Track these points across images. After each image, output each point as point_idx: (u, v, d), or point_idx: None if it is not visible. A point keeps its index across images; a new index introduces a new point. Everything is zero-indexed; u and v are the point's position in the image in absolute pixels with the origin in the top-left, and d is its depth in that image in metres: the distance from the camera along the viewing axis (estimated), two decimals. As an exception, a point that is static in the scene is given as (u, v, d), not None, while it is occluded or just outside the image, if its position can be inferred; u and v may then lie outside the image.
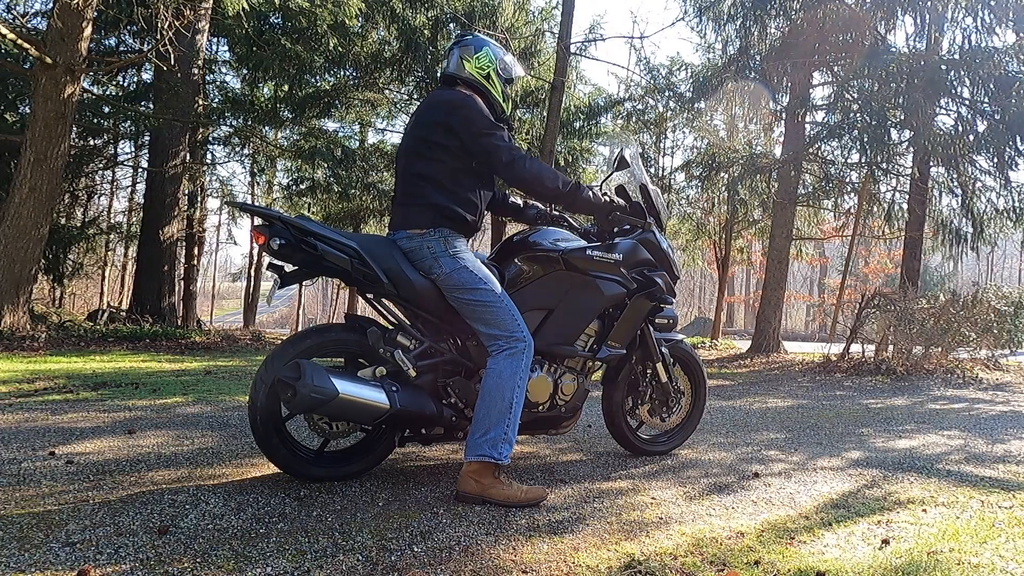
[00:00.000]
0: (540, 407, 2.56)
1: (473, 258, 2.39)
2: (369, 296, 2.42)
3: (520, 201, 2.94)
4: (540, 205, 2.95)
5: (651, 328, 2.91)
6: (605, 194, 2.63)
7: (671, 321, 3.02)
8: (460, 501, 2.21)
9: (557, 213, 2.93)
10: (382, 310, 2.45)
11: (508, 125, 2.53)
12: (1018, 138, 7.84)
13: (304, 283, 2.51)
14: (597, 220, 2.69)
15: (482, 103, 2.40)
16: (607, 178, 2.79)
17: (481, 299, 2.30)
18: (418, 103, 2.65)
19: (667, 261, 2.87)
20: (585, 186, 2.51)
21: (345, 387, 2.17)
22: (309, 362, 2.21)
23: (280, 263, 2.27)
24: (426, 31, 12.49)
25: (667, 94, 13.31)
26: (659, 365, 2.95)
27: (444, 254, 2.33)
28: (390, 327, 2.43)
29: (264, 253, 2.25)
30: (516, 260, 2.61)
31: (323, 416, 2.32)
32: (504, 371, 2.26)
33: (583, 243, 2.68)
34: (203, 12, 11.39)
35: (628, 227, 2.83)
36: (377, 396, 2.23)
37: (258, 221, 2.25)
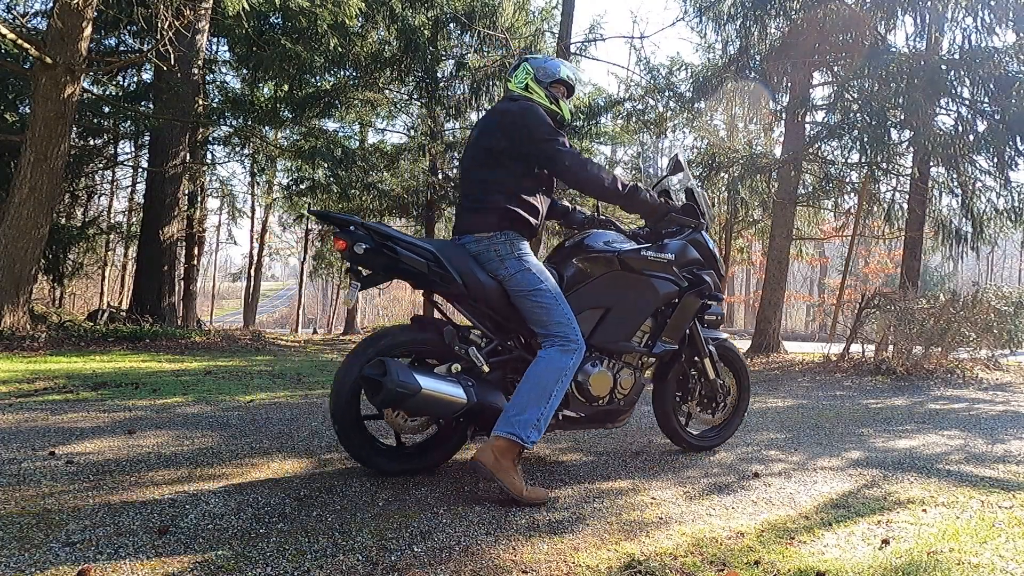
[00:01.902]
0: (600, 401, 2.69)
1: (536, 261, 2.53)
2: (433, 297, 2.56)
3: (569, 205, 3.07)
4: (586, 210, 3.13)
5: (698, 325, 3.04)
6: (660, 196, 2.78)
7: (719, 318, 3.16)
8: (472, 469, 2.29)
9: (603, 217, 3.06)
10: (462, 312, 2.57)
11: (566, 127, 2.70)
12: (1018, 138, 7.84)
13: (380, 286, 2.68)
14: (650, 221, 2.79)
15: (543, 111, 2.54)
16: (661, 180, 2.96)
17: (541, 301, 2.44)
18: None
19: (714, 260, 3.01)
20: (642, 188, 2.65)
21: (427, 383, 2.28)
22: (394, 360, 2.31)
23: (358, 268, 2.38)
24: (426, 31, 12.48)
25: (667, 94, 13.29)
26: (707, 361, 3.08)
27: (510, 256, 2.47)
28: (461, 327, 2.55)
29: (344, 259, 2.40)
30: (574, 261, 2.72)
31: (403, 411, 2.42)
32: (553, 362, 2.37)
33: (634, 244, 2.81)
34: (203, 12, 11.40)
35: (675, 228, 2.97)
36: (455, 391, 2.34)
37: (339, 227, 2.36)
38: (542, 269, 2.51)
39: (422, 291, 2.61)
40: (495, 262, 2.47)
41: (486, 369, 2.44)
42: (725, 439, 3.24)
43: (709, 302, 3.00)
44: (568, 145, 2.50)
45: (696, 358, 3.09)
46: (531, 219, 2.53)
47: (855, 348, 8.42)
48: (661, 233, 2.94)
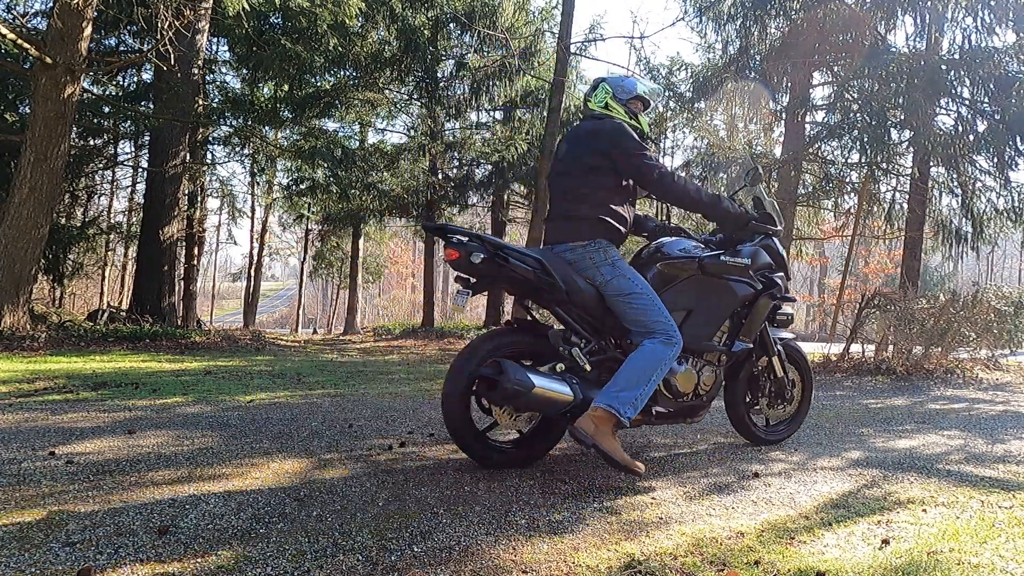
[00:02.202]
0: (686, 397, 2.85)
1: (628, 266, 2.71)
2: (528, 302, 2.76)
3: (641, 213, 3.23)
4: (655, 219, 3.31)
5: (767, 325, 3.20)
6: (741, 204, 2.97)
7: (789, 318, 3.34)
8: (571, 435, 2.47)
9: (673, 225, 3.26)
10: (563, 316, 2.71)
11: (647, 139, 2.88)
12: (1018, 138, 7.84)
13: (483, 292, 2.85)
14: (731, 228, 2.99)
15: (629, 128, 2.72)
16: (739, 189, 3.20)
17: (639, 303, 2.62)
18: (569, 130, 3.10)
19: (783, 264, 3.18)
20: (725, 197, 2.85)
21: (539, 381, 2.46)
22: (509, 360, 2.49)
23: (468, 276, 2.58)
24: (426, 31, 12.49)
25: (667, 94, 13.31)
26: (775, 360, 3.26)
27: (604, 263, 2.65)
28: (563, 329, 2.72)
29: (455, 268, 2.59)
30: (657, 267, 2.90)
31: (514, 407, 2.58)
32: (656, 351, 2.56)
33: (707, 250, 2.99)
34: (203, 12, 11.39)
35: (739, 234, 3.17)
36: (563, 389, 2.54)
37: (455, 239, 2.55)
38: (635, 273, 2.68)
39: (519, 297, 2.82)
40: (591, 269, 2.66)
41: (588, 368, 2.62)
42: (792, 433, 3.42)
43: (780, 303, 3.19)
44: (655, 158, 2.69)
45: (765, 356, 3.26)
46: (620, 228, 2.72)
47: (855, 348, 8.42)
48: (733, 239, 3.09)
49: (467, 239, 2.53)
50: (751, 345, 3.08)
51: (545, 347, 2.67)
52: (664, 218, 3.51)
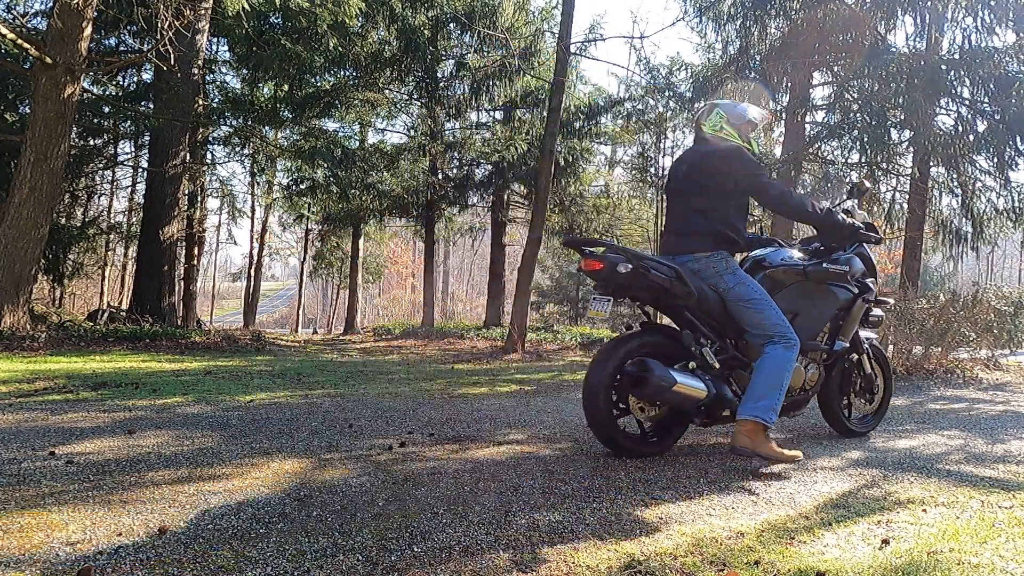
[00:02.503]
0: (794, 392, 3.12)
1: (746, 274, 2.98)
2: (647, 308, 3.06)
3: None
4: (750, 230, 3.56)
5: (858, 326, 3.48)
6: (848, 216, 3.26)
7: (880, 319, 3.62)
8: (734, 454, 2.78)
9: (767, 236, 3.50)
10: (692, 320, 2.96)
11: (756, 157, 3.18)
12: (1018, 138, 7.84)
13: (619, 300, 3.27)
14: (837, 238, 3.26)
15: (746, 150, 3.01)
16: (841, 201, 3.45)
17: (759, 308, 2.89)
18: (683, 153, 3.36)
19: (875, 270, 3.47)
20: (835, 210, 3.16)
21: (680, 378, 2.73)
22: (653, 360, 2.73)
23: (610, 285, 2.85)
24: (426, 31, 12.48)
25: (667, 94, 13.31)
26: (864, 358, 3.58)
27: (727, 271, 2.92)
28: (692, 331, 2.96)
29: (598, 278, 2.88)
30: (765, 274, 3.14)
31: (658, 402, 2.84)
32: (781, 357, 2.83)
33: (805, 258, 3.27)
34: (203, 12, 11.40)
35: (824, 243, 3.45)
36: (699, 385, 2.79)
37: (597, 251, 2.85)
38: (753, 281, 2.96)
39: (644, 304, 3.06)
40: (715, 277, 2.92)
41: (716, 366, 2.89)
42: (876, 425, 3.73)
43: (871, 306, 3.47)
44: (772, 178, 2.99)
45: (856, 354, 3.55)
46: (738, 240, 3.01)
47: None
48: (829, 247, 3.36)
49: (610, 251, 2.82)
50: (847, 345, 3.38)
51: (673, 348, 2.92)
52: (759, 230, 3.79)
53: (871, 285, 3.38)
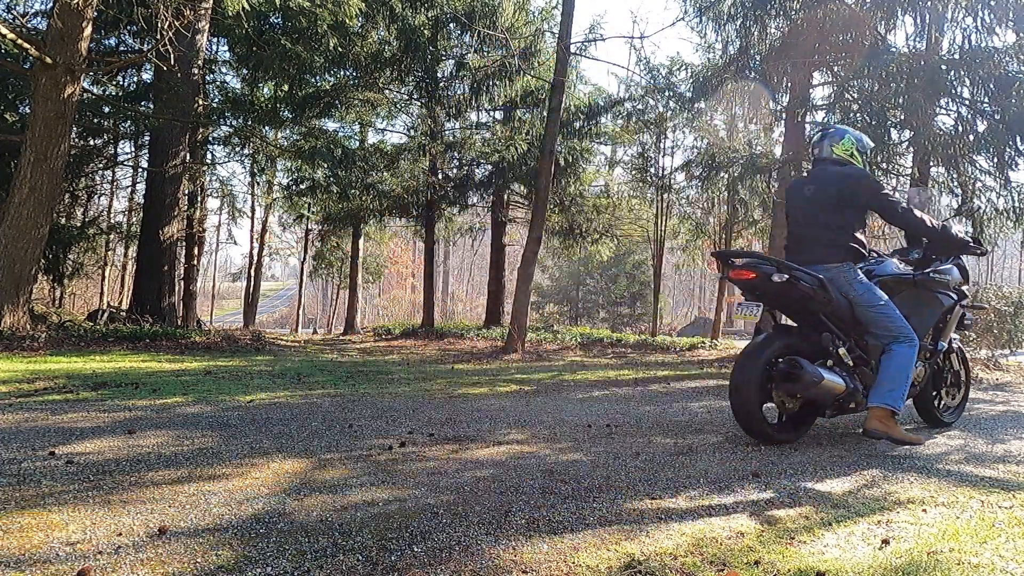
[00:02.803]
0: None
1: (870, 282, 3.35)
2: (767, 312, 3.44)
3: None
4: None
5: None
6: (964, 232, 3.63)
7: (971, 322, 3.97)
8: (867, 436, 3.22)
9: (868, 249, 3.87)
10: (827, 324, 3.31)
11: None
12: (1018, 138, 7.82)
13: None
14: (950, 250, 3.66)
15: (869, 172, 3.45)
16: (948, 219, 3.85)
17: (884, 312, 3.29)
18: (808, 176, 3.76)
19: (968, 278, 3.87)
20: (949, 225, 3.56)
21: (825, 375, 3.13)
22: (803, 359, 3.11)
23: (759, 292, 3.26)
24: (426, 31, 12.48)
25: (667, 94, 13.28)
26: (954, 356, 4.02)
27: (855, 280, 3.31)
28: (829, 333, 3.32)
29: (749, 287, 3.27)
30: (876, 282, 3.44)
31: (807, 396, 3.22)
32: (906, 353, 3.25)
33: (913, 269, 3.68)
34: (203, 12, 11.39)
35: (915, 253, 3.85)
36: (839, 381, 3.20)
37: (749, 262, 3.27)
38: (877, 288, 3.34)
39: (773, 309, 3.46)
40: (845, 285, 3.30)
41: (850, 364, 3.29)
42: (958, 418, 4.09)
43: (966, 311, 3.86)
44: (897, 198, 3.45)
45: (947, 353, 3.96)
46: (863, 251, 3.41)
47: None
48: (930, 258, 3.73)
49: (760, 262, 3.25)
50: (947, 345, 3.80)
51: (808, 347, 3.27)
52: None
53: (966, 292, 3.80)
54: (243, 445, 2.96)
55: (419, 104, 15.02)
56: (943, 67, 8.03)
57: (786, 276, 3.11)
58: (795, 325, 3.46)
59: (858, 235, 3.39)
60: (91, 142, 13.77)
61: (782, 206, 10.46)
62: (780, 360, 3.20)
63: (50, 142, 8.15)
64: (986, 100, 8.24)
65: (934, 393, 3.94)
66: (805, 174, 4.11)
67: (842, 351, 3.27)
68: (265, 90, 13.65)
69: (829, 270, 3.29)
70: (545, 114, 11.16)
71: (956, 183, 9.44)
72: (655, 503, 2.29)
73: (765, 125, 13.35)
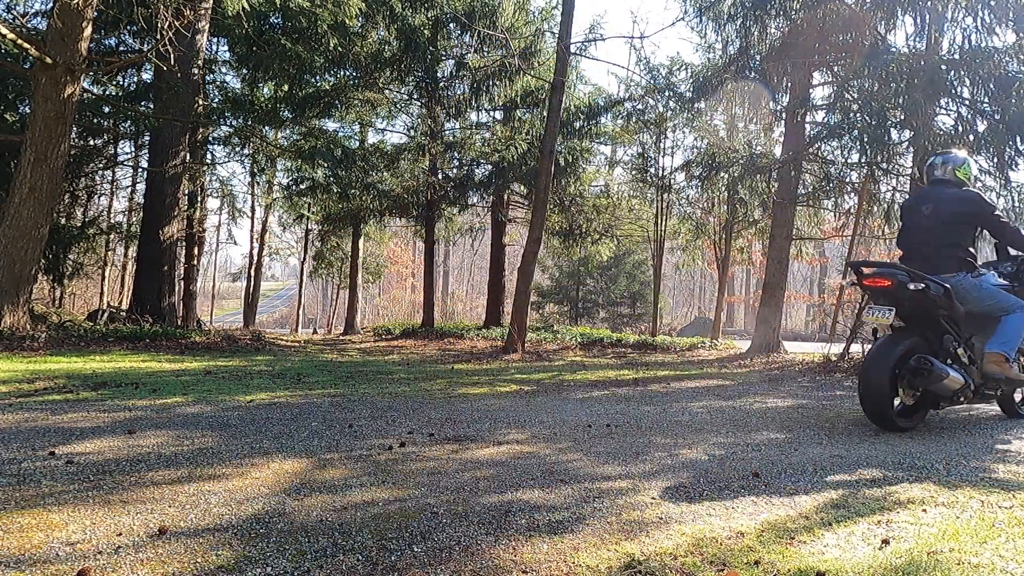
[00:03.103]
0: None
1: (978, 282, 3.81)
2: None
3: None
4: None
5: None
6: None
7: None
8: (986, 377, 3.75)
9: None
10: (947, 327, 3.76)
11: None
12: (1018, 138, 7.82)
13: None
14: None
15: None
16: None
17: (998, 298, 3.83)
18: (922, 193, 4.22)
19: None
20: None
21: (951, 371, 3.56)
22: (933, 358, 3.56)
23: (892, 298, 3.66)
24: (426, 31, 12.48)
25: (667, 94, 13.29)
26: None
27: (972, 287, 3.80)
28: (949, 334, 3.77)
29: (882, 293, 3.67)
30: None
31: (933, 390, 3.63)
32: (1020, 317, 3.77)
33: (1009, 281, 4.10)
34: (203, 12, 11.39)
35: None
36: (960, 377, 3.62)
37: (885, 270, 3.67)
38: (986, 285, 3.81)
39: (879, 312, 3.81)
40: (962, 293, 3.76)
41: (966, 361, 3.73)
42: None
43: None
44: (1007, 217, 4.02)
45: None
46: (974, 263, 3.88)
47: (855, 348, 8.41)
48: (1023, 270, 4.17)
49: (894, 270, 3.60)
50: None
51: (928, 346, 3.67)
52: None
53: None
54: (243, 445, 2.96)
55: (419, 104, 15.03)
56: (943, 67, 8.03)
57: (922, 285, 3.49)
58: (908, 328, 3.80)
59: (970, 247, 3.89)
60: (91, 142, 13.77)
61: (782, 205, 10.51)
62: (910, 358, 3.60)
63: (50, 142, 8.16)
64: (986, 100, 8.24)
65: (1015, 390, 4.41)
66: (919, 192, 4.65)
67: (960, 350, 3.73)
68: (265, 90, 13.65)
69: (947, 280, 3.72)
70: (545, 114, 11.16)
71: (956, 183, 9.40)
72: (655, 503, 2.29)
73: (765, 125, 13.34)
